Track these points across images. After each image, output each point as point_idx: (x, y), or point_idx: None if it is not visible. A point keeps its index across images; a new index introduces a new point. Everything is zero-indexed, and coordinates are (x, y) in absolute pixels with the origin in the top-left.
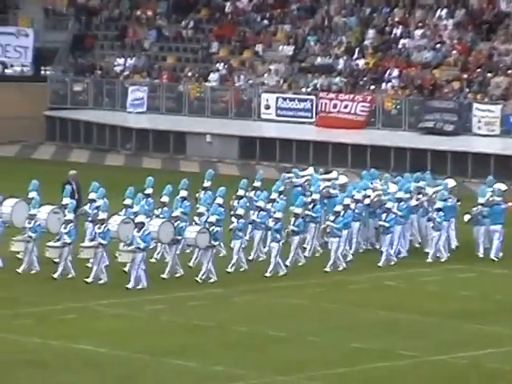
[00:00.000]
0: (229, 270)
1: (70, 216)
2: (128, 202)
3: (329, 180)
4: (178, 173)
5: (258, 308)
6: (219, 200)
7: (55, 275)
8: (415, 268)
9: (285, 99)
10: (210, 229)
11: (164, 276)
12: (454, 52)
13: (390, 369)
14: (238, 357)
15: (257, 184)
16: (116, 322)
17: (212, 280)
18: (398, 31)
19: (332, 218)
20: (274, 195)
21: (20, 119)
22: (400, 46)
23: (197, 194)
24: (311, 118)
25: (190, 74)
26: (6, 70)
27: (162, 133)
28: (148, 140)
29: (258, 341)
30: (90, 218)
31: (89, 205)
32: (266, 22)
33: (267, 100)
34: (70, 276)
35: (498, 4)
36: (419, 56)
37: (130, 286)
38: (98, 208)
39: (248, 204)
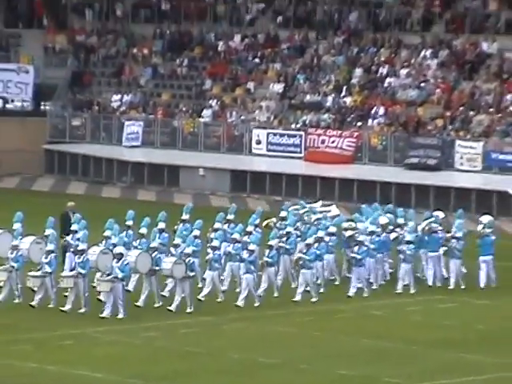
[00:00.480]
0: (200, 297)
1: (51, 246)
2: (108, 233)
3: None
4: (171, 205)
5: (248, 336)
6: (196, 232)
7: (33, 303)
8: (400, 298)
9: (275, 135)
10: (186, 260)
11: (139, 304)
12: (438, 90)
13: None
14: (228, 383)
15: (230, 217)
16: (112, 349)
17: (188, 310)
18: (384, 70)
19: (304, 250)
20: (250, 228)
21: (20, 152)
22: (386, 85)
23: (175, 226)
24: (300, 152)
25: (184, 109)
26: (7, 105)
27: (157, 166)
28: (143, 173)
29: (249, 367)
30: (71, 249)
31: (71, 236)
32: (257, 60)
33: (258, 135)
34: (50, 305)
35: (480, 45)
36: (404, 94)
37: (105, 314)
38: (79, 239)
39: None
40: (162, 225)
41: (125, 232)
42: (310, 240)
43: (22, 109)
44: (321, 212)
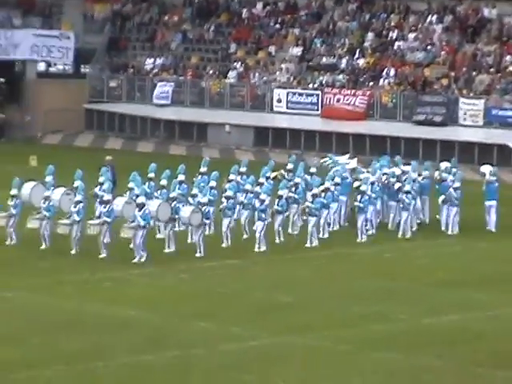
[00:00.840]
0: (223, 245)
1: (79, 197)
2: (131, 185)
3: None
4: (200, 158)
5: (269, 277)
6: (212, 183)
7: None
8: (409, 242)
9: (294, 94)
10: (203, 208)
11: (167, 251)
12: (443, 53)
13: (386, 330)
14: (251, 320)
15: (242, 169)
16: (145, 290)
17: (198, 255)
18: (393, 34)
19: (310, 199)
20: (262, 179)
21: (62, 111)
22: (395, 48)
23: (194, 178)
24: (317, 110)
25: (211, 71)
26: (51, 69)
27: (187, 123)
28: (174, 129)
29: (270, 306)
30: (98, 200)
31: (98, 187)
32: (277, 26)
33: (279, 95)
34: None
35: (482, 11)
36: (412, 56)
37: (135, 260)
38: (105, 190)
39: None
40: (181, 177)
41: (147, 183)
42: (315, 190)
43: (64, 71)
44: (341, 164)
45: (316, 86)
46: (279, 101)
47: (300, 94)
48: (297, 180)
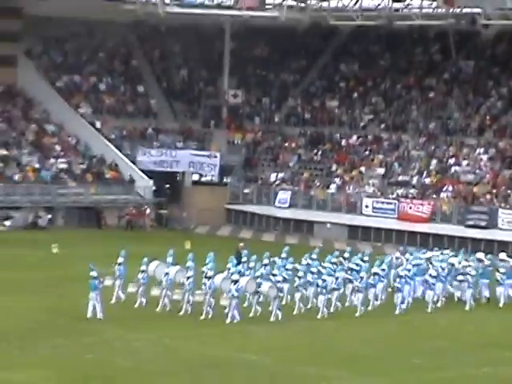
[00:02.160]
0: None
1: (190, 273)
2: (229, 265)
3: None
4: (308, 247)
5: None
6: (288, 265)
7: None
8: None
9: (378, 202)
10: (278, 285)
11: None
12: (488, 176)
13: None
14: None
15: (313, 256)
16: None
17: (272, 319)
18: (451, 161)
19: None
20: (327, 263)
21: (209, 210)
22: (452, 171)
23: (275, 260)
24: (395, 214)
25: (318, 184)
26: (202, 179)
27: (299, 221)
28: (290, 225)
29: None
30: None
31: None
32: (367, 152)
33: (367, 202)
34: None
35: None
36: (465, 177)
37: (228, 321)
38: (210, 269)
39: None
40: (265, 260)
41: (241, 265)
42: (362, 274)
43: (212, 181)
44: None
45: (394, 196)
46: (367, 206)
47: (382, 202)
48: (351, 265)
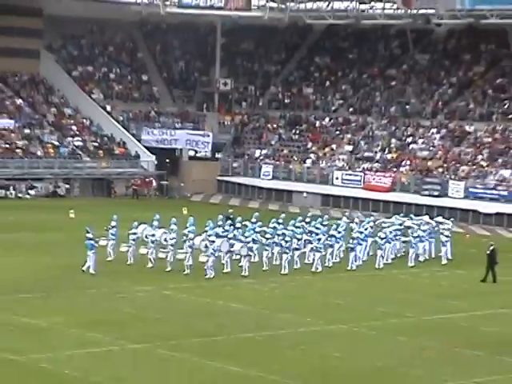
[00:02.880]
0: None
1: (174, 235)
2: (207, 228)
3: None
4: (288, 213)
5: (327, 287)
6: (257, 229)
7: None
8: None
9: (346, 174)
10: (249, 245)
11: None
12: (440, 152)
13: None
14: (320, 313)
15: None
16: (250, 293)
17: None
18: (409, 139)
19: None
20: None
21: (203, 181)
22: (410, 148)
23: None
24: (361, 185)
25: (295, 159)
26: (197, 154)
27: (280, 190)
28: (272, 194)
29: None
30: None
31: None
32: (337, 132)
33: (337, 175)
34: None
35: (464, 127)
36: (420, 153)
37: (207, 276)
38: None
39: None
40: (238, 224)
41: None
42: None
43: (205, 156)
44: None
45: (360, 170)
46: (337, 178)
47: (350, 175)
48: (311, 228)
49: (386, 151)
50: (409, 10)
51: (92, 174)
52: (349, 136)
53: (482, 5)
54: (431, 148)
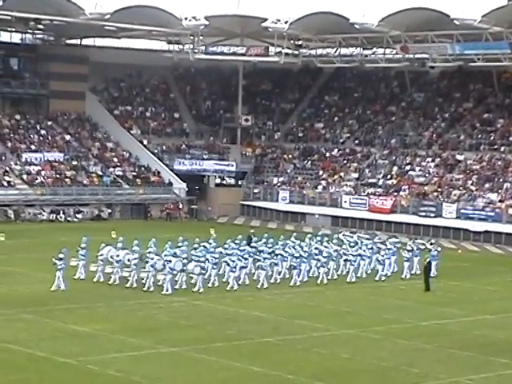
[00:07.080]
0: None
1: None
2: (165, 248)
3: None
4: (301, 232)
5: (334, 297)
6: (212, 249)
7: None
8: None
9: (353, 198)
10: (201, 264)
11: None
12: (435, 179)
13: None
14: (331, 319)
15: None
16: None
17: (195, 289)
18: (408, 167)
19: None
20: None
21: (228, 205)
22: (408, 175)
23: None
24: (366, 207)
25: (308, 185)
26: (223, 182)
27: (295, 213)
28: (288, 216)
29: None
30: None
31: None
32: (345, 161)
33: (345, 198)
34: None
35: (455, 157)
36: (418, 179)
37: (163, 292)
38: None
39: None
40: (196, 245)
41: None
42: (266, 255)
43: (230, 183)
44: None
45: (365, 194)
46: (345, 202)
47: (356, 199)
48: (259, 248)
49: (388, 178)
50: (406, 55)
51: (131, 199)
52: (355, 165)
53: (470, 50)
54: (427, 175)
